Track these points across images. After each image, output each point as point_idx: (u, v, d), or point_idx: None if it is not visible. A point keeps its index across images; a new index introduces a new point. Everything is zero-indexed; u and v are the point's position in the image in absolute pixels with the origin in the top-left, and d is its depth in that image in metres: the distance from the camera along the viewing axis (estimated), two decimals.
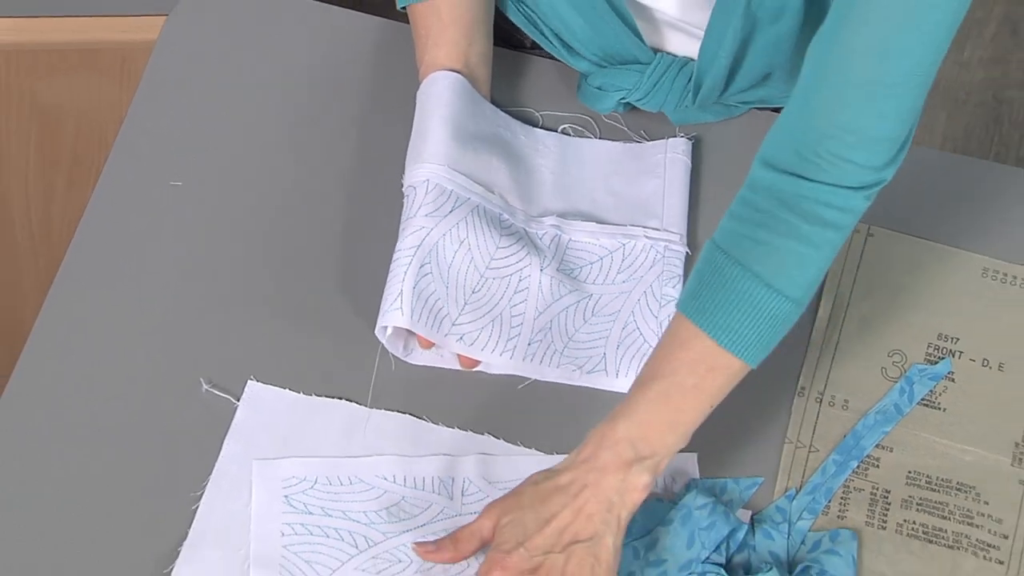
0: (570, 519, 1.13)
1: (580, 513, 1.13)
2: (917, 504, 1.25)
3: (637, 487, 1.14)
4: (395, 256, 1.26)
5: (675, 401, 1.15)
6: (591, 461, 1.14)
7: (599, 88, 1.37)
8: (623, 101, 1.38)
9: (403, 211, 1.29)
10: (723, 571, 1.18)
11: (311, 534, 1.19)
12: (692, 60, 1.35)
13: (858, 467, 1.26)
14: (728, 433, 1.25)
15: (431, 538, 1.18)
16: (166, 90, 1.38)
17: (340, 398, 1.25)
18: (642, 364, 1.19)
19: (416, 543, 1.16)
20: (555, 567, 1.12)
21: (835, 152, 1.12)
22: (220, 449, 1.22)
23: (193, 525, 1.18)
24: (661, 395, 1.14)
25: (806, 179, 1.13)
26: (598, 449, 1.14)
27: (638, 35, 1.34)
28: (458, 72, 1.32)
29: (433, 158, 1.28)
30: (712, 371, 1.15)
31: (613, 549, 1.13)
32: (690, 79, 1.35)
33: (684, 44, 1.36)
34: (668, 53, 1.37)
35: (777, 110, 1.40)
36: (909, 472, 1.27)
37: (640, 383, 1.15)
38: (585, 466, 1.14)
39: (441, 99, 1.31)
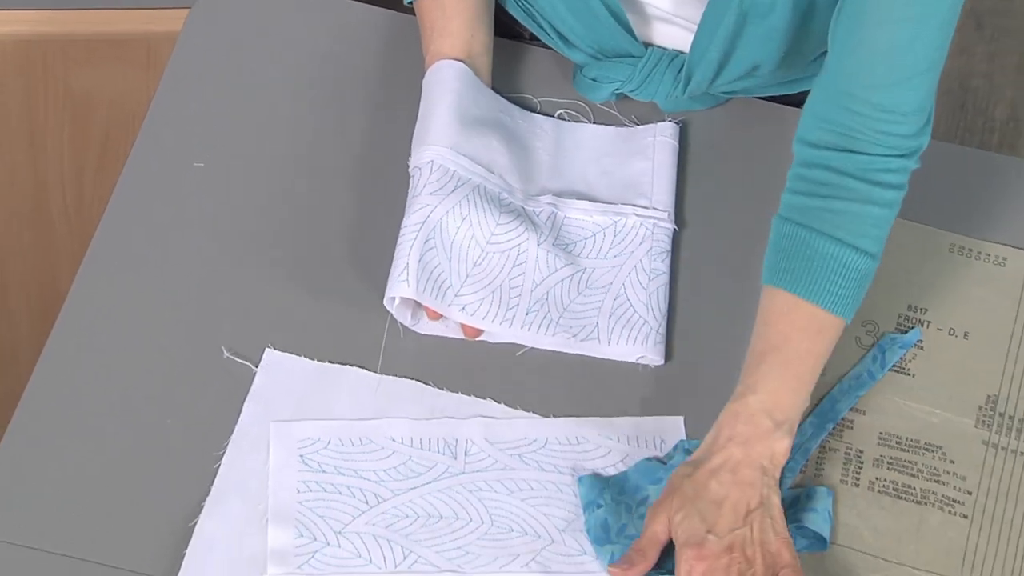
0: (738, 494, 1.14)
1: (744, 486, 1.14)
2: (888, 463, 1.25)
3: (781, 451, 1.17)
4: (402, 232, 1.26)
5: (794, 367, 1.18)
6: (735, 439, 1.15)
7: (594, 80, 1.37)
8: (617, 92, 1.37)
9: (409, 190, 1.28)
10: None
11: (325, 491, 1.19)
12: (682, 53, 1.34)
13: (833, 429, 1.26)
14: (713, 398, 1.24)
15: (444, 499, 1.18)
16: (189, 78, 1.38)
17: (352, 364, 1.25)
18: (636, 333, 1.22)
19: (611, 566, 1.16)
20: (746, 539, 1.13)
21: (879, 129, 1.18)
22: (240, 412, 1.21)
23: (215, 481, 1.18)
24: (781, 364, 1.17)
25: (860, 153, 1.18)
26: (737, 426, 1.16)
27: (630, 31, 1.33)
28: (461, 61, 1.31)
29: (438, 141, 1.28)
30: (820, 333, 1.18)
31: (779, 505, 1.15)
32: (680, 71, 1.34)
33: (675, 37, 1.35)
34: (658, 47, 1.36)
35: (761, 99, 1.40)
36: (881, 433, 1.26)
37: (758, 356, 1.18)
38: (731, 444, 1.15)
39: (445, 86, 1.30)
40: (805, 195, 1.20)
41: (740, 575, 1.12)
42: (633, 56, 1.35)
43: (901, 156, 1.19)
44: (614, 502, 1.19)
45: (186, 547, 1.15)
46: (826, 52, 1.29)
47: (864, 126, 1.18)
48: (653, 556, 1.15)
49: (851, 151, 1.19)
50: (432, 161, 1.27)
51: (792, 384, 1.17)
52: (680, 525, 1.13)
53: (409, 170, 1.30)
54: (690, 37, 1.32)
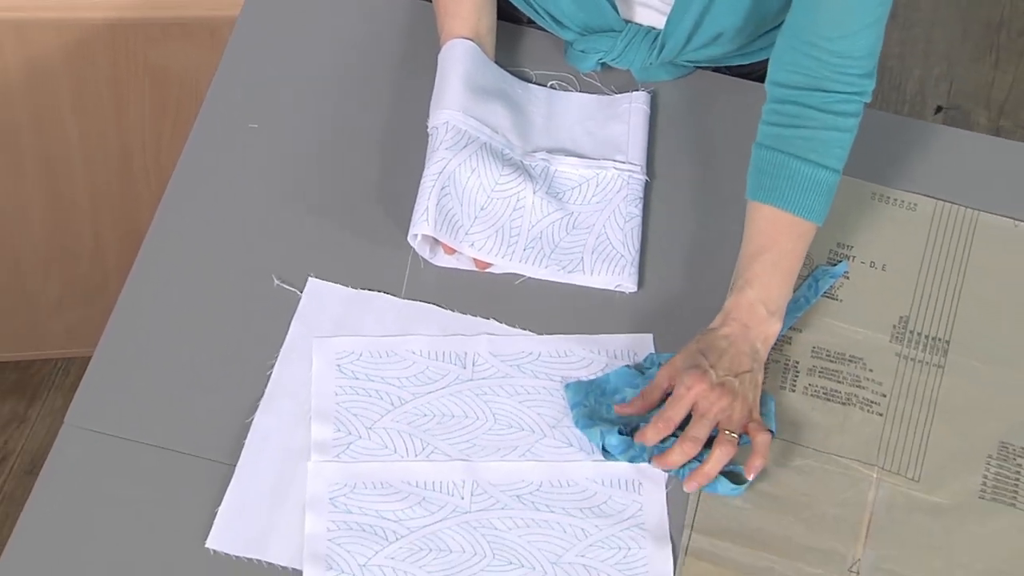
0: (736, 355, 1.16)
1: (740, 354, 1.16)
2: (819, 372, 1.24)
3: (772, 334, 1.18)
4: (422, 180, 1.25)
5: (782, 265, 1.19)
6: (737, 320, 1.17)
7: (582, 51, 1.36)
8: (601, 61, 1.36)
9: (428, 146, 1.27)
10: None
11: (357, 394, 1.18)
12: (655, 28, 1.33)
13: (775, 344, 1.24)
14: (678, 318, 1.24)
15: (455, 401, 1.18)
16: (245, 55, 1.37)
17: (380, 291, 1.24)
18: (614, 265, 1.22)
19: (616, 405, 1.16)
20: (734, 386, 1.14)
21: (837, 70, 1.19)
22: (288, 329, 1.21)
23: (268, 386, 1.18)
24: (771, 263, 1.18)
25: (823, 91, 1.19)
26: (739, 312, 1.17)
27: (615, 9, 1.32)
28: (470, 40, 1.30)
29: (451, 105, 1.26)
30: (800, 236, 1.20)
31: (761, 382, 1.17)
32: (654, 42, 1.33)
33: (650, 17, 1.33)
34: (636, 24, 1.34)
35: (717, 69, 1.39)
36: (813, 348, 1.25)
37: (751, 258, 1.19)
38: (734, 323, 1.17)
39: (457, 60, 1.29)
40: (779, 126, 1.20)
41: (719, 411, 1.13)
42: (615, 31, 1.34)
43: (857, 93, 1.20)
44: (596, 403, 1.18)
45: (245, 438, 1.15)
46: (777, 27, 1.28)
47: (825, 68, 1.19)
48: (653, 399, 1.16)
49: (815, 89, 1.19)
50: (447, 122, 1.26)
51: (780, 279, 1.19)
52: (685, 364, 1.15)
53: (428, 130, 1.28)
54: (662, 19, 1.31)
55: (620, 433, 1.15)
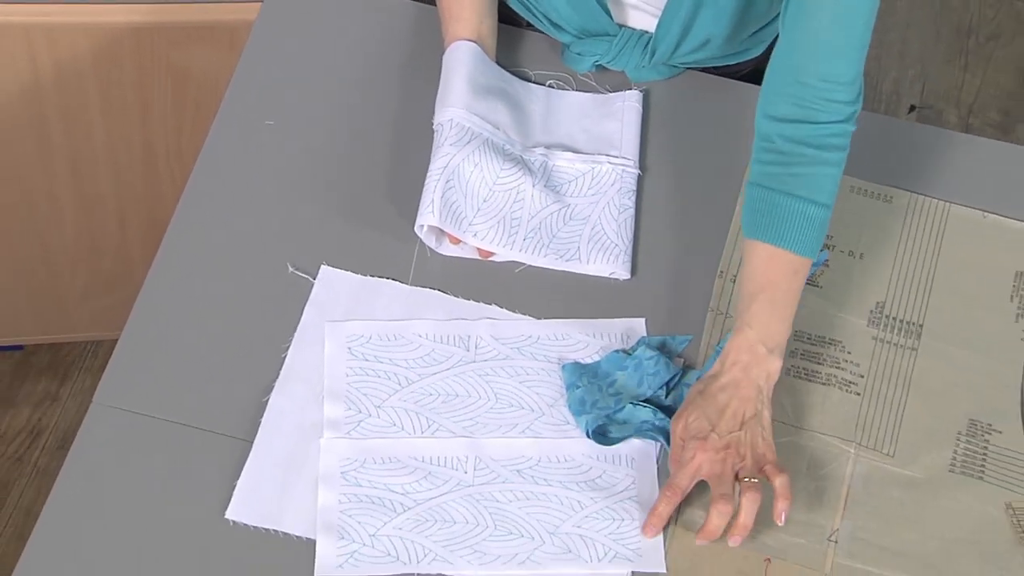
0: (738, 405, 1.12)
1: (743, 400, 1.12)
2: (800, 354, 1.23)
3: (775, 371, 1.15)
4: (428, 174, 1.24)
5: (780, 303, 1.15)
6: (738, 364, 1.13)
7: (579, 54, 1.34)
8: (596, 63, 1.34)
9: (433, 142, 1.26)
10: (655, 409, 1.16)
11: (367, 375, 1.17)
12: (648, 32, 1.32)
13: None
14: (667, 305, 1.23)
15: (459, 382, 1.17)
16: (261, 57, 1.36)
17: (389, 278, 1.23)
18: (608, 254, 1.21)
19: (664, 488, 1.11)
20: (740, 440, 1.11)
21: (824, 97, 1.15)
22: (302, 314, 1.20)
23: (283, 367, 1.17)
24: (769, 302, 1.15)
25: (810, 123, 1.15)
26: (739, 354, 1.13)
27: (608, 14, 1.30)
28: (473, 42, 1.29)
29: (455, 104, 1.25)
30: (796, 273, 1.16)
31: (768, 418, 1.13)
32: (647, 46, 1.31)
33: (643, 20, 1.32)
34: (629, 27, 1.33)
35: (706, 70, 1.37)
36: (796, 331, 1.24)
37: (750, 297, 1.15)
38: (735, 368, 1.13)
39: (461, 61, 1.28)
40: (770, 164, 1.17)
41: (732, 467, 1.11)
42: (610, 35, 1.32)
43: (842, 121, 1.16)
44: (589, 384, 1.17)
45: (261, 416, 1.14)
46: (762, 28, 1.27)
47: (811, 95, 1.15)
48: (680, 455, 1.12)
49: (803, 121, 1.16)
50: (451, 120, 1.25)
51: (779, 316, 1.15)
52: (692, 424, 1.12)
53: (433, 127, 1.27)
54: (654, 21, 1.29)
55: (608, 418, 1.15)
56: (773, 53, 1.19)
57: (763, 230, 1.16)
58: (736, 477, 1.11)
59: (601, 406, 1.15)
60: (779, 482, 1.10)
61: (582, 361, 1.20)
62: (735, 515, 1.09)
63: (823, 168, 1.16)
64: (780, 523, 1.10)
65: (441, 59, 1.30)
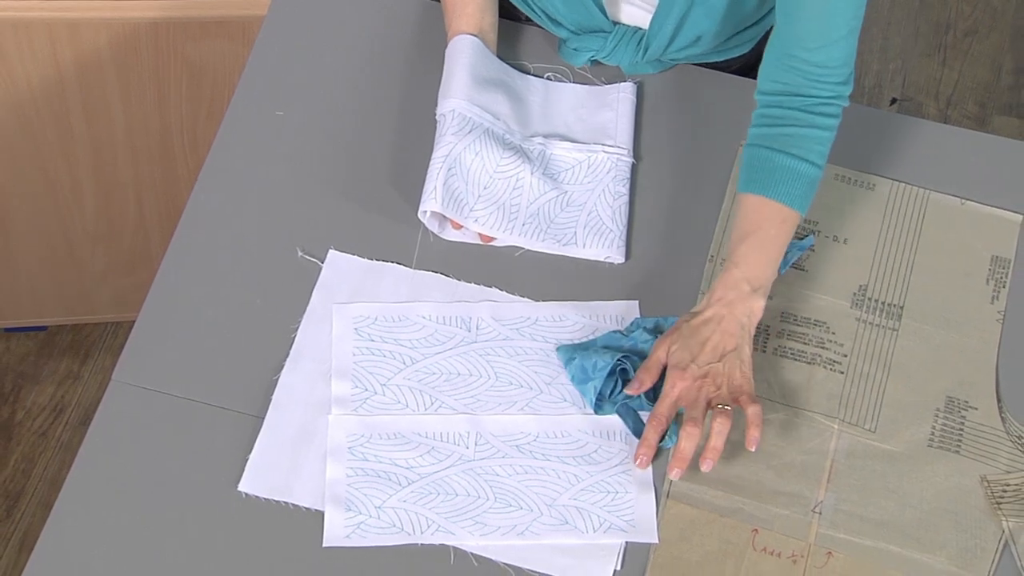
0: (719, 339, 1.12)
1: (725, 334, 1.12)
2: (787, 335, 1.22)
3: (757, 309, 1.15)
4: (431, 162, 1.23)
5: (765, 247, 1.16)
6: (722, 299, 1.14)
7: (575, 49, 1.33)
8: (591, 59, 1.33)
9: (436, 131, 1.25)
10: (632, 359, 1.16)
11: (373, 355, 1.16)
12: (642, 29, 1.30)
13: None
14: (660, 287, 1.22)
15: (461, 361, 1.16)
16: (272, 50, 1.34)
17: (394, 262, 1.22)
18: (604, 239, 1.20)
19: (626, 390, 1.14)
20: (717, 371, 1.12)
21: (817, 80, 1.17)
22: (310, 296, 1.19)
23: (293, 346, 1.16)
24: (756, 245, 1.15)
25: (804, 96, 1.17)
26: (726, 291, 1.14)
27: (603, 11, 1.29)
28: (475, 36, 1.27)
29: (457, 95, 1.24)
30: (783, 222, 1.16)
31: (749, 353, 1.14)
32: (640, 42, 1.30)
33: (637, 16, 1.31)
34: (624, 24, 1.31)
35: (699, 65, 1.36)
36: (782, 313, 1.23)
37: (739, 239, 1.16)
38: (719, 303, 1.14)
39: (463, 54, 1.26)
40: (765, 127, 1.18)
41: (707, 396, 1.11)
42: (604, 31, 1.31)
43: (835, 97, 1.18)
44: (583, 352, 1.16)
45: (272, 393, 1.14)
46: (750, 27, 1.26)
47: (804, 78, 1.16)
48: (656, 374, 1.13)
49: (796, 95, 1.17)
50: (453, 110, 1.24)
51: (765, 259, 1.16)
52: (673, 353, 1.12)
53: (436, 117, 1.26)
54: (646, 16, 1.28)
55: (613, 380, 1.14)
56: (769, 40, 1.19)
57: (756, 183, 1.16)
58: (710, 405, 1.11)
59: (601, 367, 1.14)
60: (752, 411, 1.11)
61: (576, 342, 1.19)
62: (707, 439, 1.10)
63: (814, 131, 1.17)
64: (751, 449, 1.11)
65: (444, 52, 1.29)
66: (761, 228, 1.16)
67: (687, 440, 1.10)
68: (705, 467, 1.10)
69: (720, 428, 1.10)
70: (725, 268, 1.15)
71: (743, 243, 1.15)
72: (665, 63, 1.35)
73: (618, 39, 1.30)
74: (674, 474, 1.10)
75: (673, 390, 1.11)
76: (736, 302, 1.14)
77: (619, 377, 1.15)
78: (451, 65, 1.27)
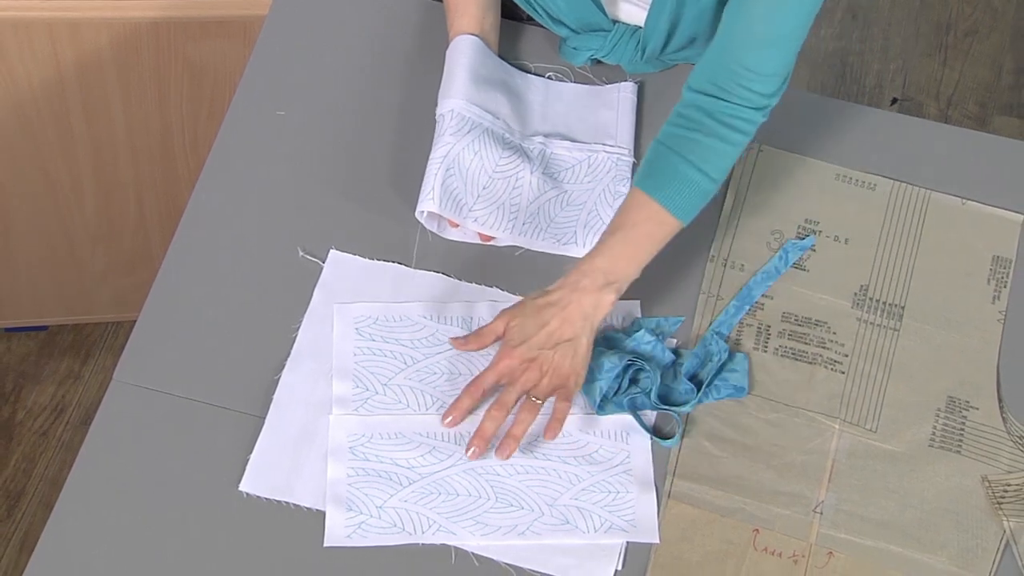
0: (558, 325, 1.11)
1: (565, 321, 1.11)
2: (788, 334, 1.22)
3: (605, 304, 1.13)
4: (429, 162, 1.23)
5: (633, 243, 1.14)
6: (574, 284, 1.12)
7: (575, 48, 1.33)
8: (591, 58, 1.33)
9: (435, 131, 1.25)
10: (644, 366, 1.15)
11: (374, 354, 1.16)
12: (640, 28, 1.30)
13: (749, 310, 1.23)
14: (661, 287, 1.22)
15: (462, 360, 1.16)
16: (273, 49, 1.34)
17: (393, 261, 1.22)
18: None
19: (451, 338, 1.14)
20: (547, 358, 1.11)
21: (742, 84, 1.13)
22: (311, 296, 1.19)
23: (294, 347, 1.16)
24: (624, 239, 1.14)
25: (724, 100, 1.14)
26: (580, 277, 1.12)
27: (602, 10, 1.29)
28: (476, 35, 1.27)
29: (457, 95, 1.24)
30: (660, 225, 1.14)
31: (587, 346, 1.12)
32: (638, 43, 1.30)
33: (635, 15, 1.30)
34: (623, 23, 1.31)
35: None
36: (783, 313, 1.23)
37: (609, 232, 1.14)
38: (569, 287, 1.12)
39: (464, 54, 1.26)
40: (677, 127, 1.15)
41: (527, 381, 1.11)
42: (604, 30, 1.31)
43: (754, 108, 1.14)
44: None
45: (273, 393, 1.14)
46: None
47: (732, 81, 1.13)
48: (486, 342, 1.14)
49: (718, 98, 1.14)
50: (452, 110, 1.24)
51: (629, 255, 1.13)
52: (511, 329, 1.12)
53: (435, 117, 1.26)
54: (643, 13, 1.28)
55: (617, 381, 1.14)
56: (715, 35, 1.17)
57: (646, 180, 1.14)
58: (529, 393, 1.11)
59: (607, 368, 1.14)
60: (559, 407, 1.11)
61: None
62: (510, 426, 1.10)
63: (719, 143, 1.14)
64: (546, 439, 1.11)
65: (444, 52, 1.29)
66: (637, 225, 1.13)
67: (489, 421, 1.10)
68: (500, 454, 1.10)
69: (522, 418, 1.10)
70: (588, 254, 1.14)
71: (614, 235, 1.13)
72: (666, 63, 1.34)
73: (617, 38, 1.30)
74: (470, 453, 1.10)
75: (497, 365, 1.11)
76: (587, 291, 1.12)
77: (628, 377, 1.15)
78: (452, 65, 1.27)
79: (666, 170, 1.13)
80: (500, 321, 1.13)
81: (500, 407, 1.10)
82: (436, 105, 1.27)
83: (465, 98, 1.24)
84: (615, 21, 1.32)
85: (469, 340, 1.14)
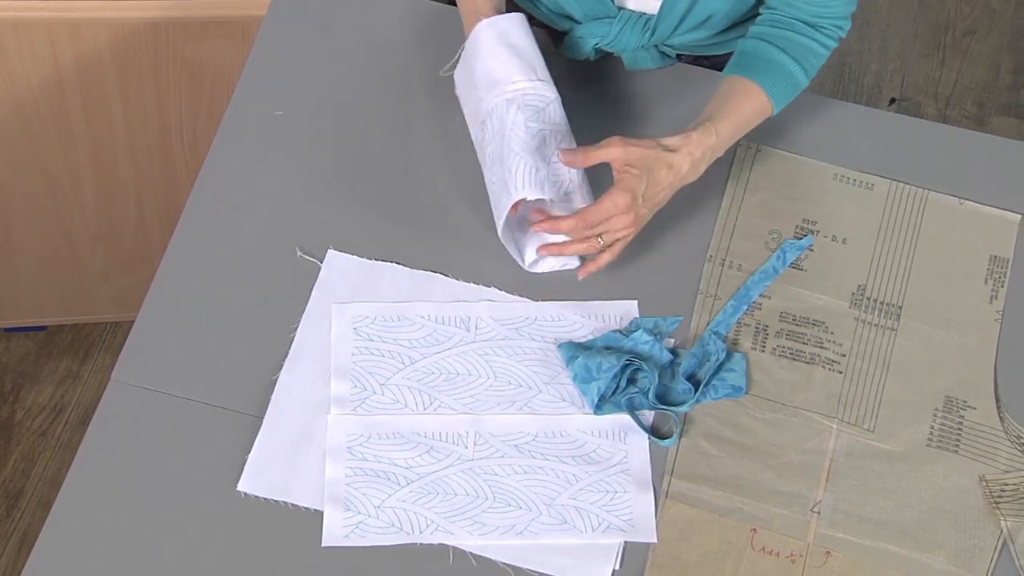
0: (666, 192, 1.18)
1: (671, 188, 1.18)
2: (786, 334, 1.22)
3: (699, 174, 1.20)
4: (508, 154, 1.18)
5: (738, 133, 1.22)
6: (690, 155, 1.17)
7: (580, 37, 1.31)
8: (596, 46, 1.31)
9: (486, 129, 1.20)
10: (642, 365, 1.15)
11: (372, 354, 1.16)
12: (645, 13, 1.29)
13: (747, 309, 1.23)
14: (659, 286, 1.22)
15: (460, 361, 1.16)
16: (271, 50, 1.34)
17: (393, 262, 1.21)
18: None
19: (560, 148, 1.18)
20: (643, 218, 1.17)
21: (819, 16, 1.23)
22: (310, 296, 1.19)
23: (292, 346, 1.16)
24: (734, 128, 1.21)
25: (809, 4, 1.23)
26: (699, 151, 1.18)
27: None
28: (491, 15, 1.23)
29: (504, 81, 1.20)
30: (759, 115, 1.23)
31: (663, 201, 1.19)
32: (645, 26, 1.29)
33: (644, 2, 1.29)
34: (628, 9, 1.30)
35: (698, 62, 1.36)
36: (781, 312, 1.23)
37: (726, 116, 1.20)
38: (686, 154, 1.17)
39: (505, 36, 1.22)
40: (767, 26, 1.23)
41: (619, 229, 1.16)
42: (610, 17, 1.30)
43: (833, 26, 1.23)
44: (587, 351, 1.16)
45: (271, 393, 1.13)
46: (750, 19, 1.26)
47: (802, 15, 1.22)
48: (590, 161, 1.16)
49: (806, 22, 1.23)
50: (492, 111, 1.19)
51: (730, 138, 1.21)
52: (634, 177, 1.15)
53: (484, 109, 1.21)
54: (650, 2, 1.27)
55: (616, 381, 1.14)
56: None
57: (747, 69, 1.22)
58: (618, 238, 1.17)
59: (606, 368, 1.14)
60: (603, 257, 1.18)
61: (577, 341, 1.19)
62: (593, 258, 1.17)
63: (812, 43, 1.22)
64: (579, 277, 1.19)
65: (443, 53, 1.29)
66: (744, 115, 1.21)
67: (576, 246, 1.16)
68: (581, 274, 1.19)
69: (577, 249, 1.17)
70: (707, 129, 1.18)
71: (728, 120, 1.20)
72: (666, 58, 1.34)
73: (623, 23, 1.29)
74: (539, 250, 1.18)
75: (612, 220, 1.15)
76: (699, 163, 1.18)
77: (626, 377, 1.15)
78: (487, 51, 1.21)
79: (765, 60, 1.21)
80: (616, 150, 1.14)
81: (590, 244, 1.16)
82: (435, 104, 1.26)
83: (526, 79, 1.20)
84: (620, 8, 1.30)
85: (577, 155, 1.16)
